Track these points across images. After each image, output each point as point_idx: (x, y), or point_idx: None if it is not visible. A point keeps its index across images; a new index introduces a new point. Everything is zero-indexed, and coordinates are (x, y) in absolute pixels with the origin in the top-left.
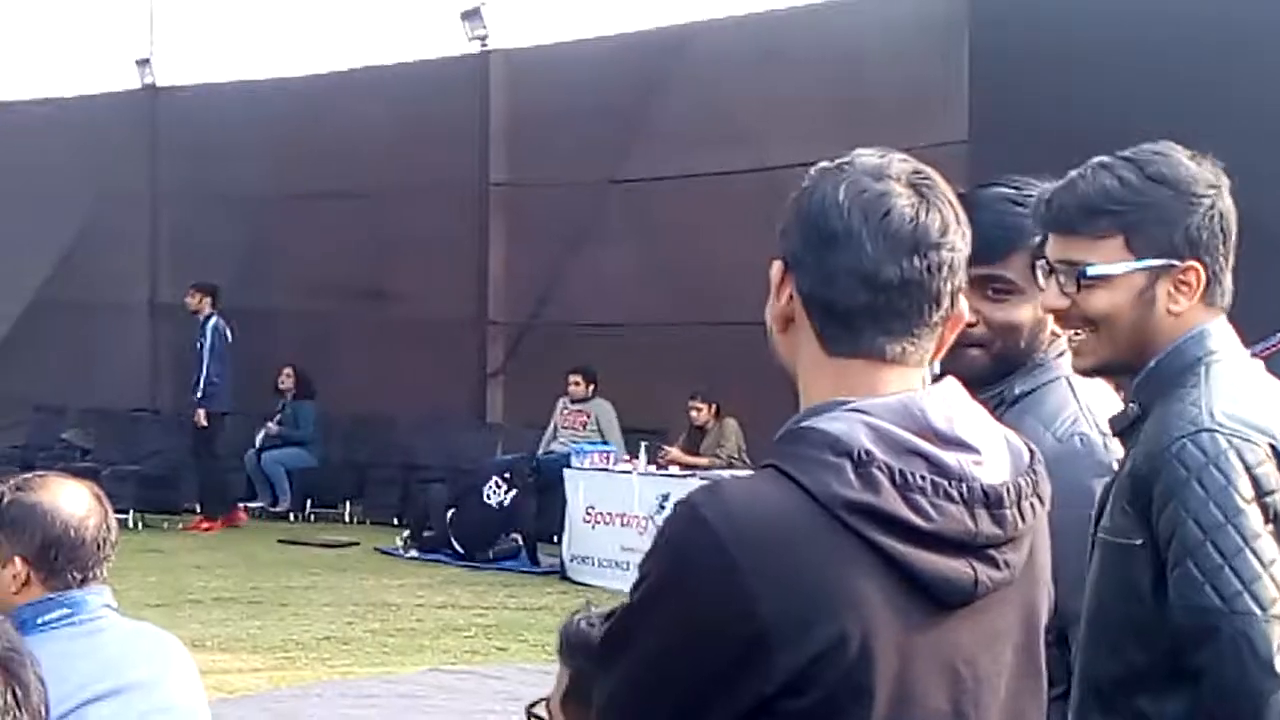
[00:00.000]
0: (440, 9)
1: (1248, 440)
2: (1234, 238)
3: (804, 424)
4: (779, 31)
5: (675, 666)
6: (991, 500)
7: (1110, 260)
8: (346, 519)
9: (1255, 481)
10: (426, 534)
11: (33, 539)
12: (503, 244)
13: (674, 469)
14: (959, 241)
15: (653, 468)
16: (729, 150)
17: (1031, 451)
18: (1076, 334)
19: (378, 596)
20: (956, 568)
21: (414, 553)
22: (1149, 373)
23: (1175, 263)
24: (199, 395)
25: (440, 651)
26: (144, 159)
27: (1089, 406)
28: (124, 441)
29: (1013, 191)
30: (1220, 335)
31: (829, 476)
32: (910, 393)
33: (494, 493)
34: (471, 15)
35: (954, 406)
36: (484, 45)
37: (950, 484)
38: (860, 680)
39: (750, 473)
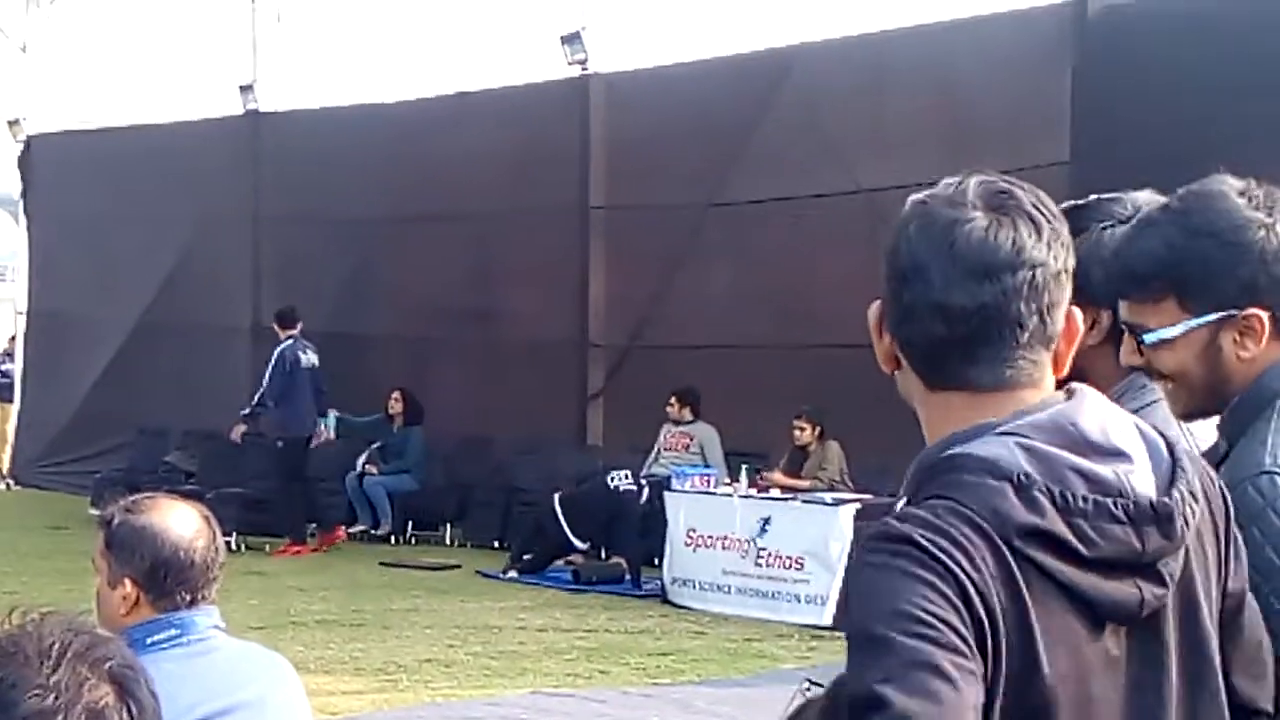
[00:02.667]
0: (540, 33)
1: None
2: None
3: (953, 451)
4: (880, 55)
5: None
6: (1161, 516)
7: (1167, 323)
8: (447, 541)
9: None
10: (526, 557)
11: (142, 560)
12: (603, 267)
13: (775, 492)
14: (1041, 255)
15: (753, 490)
16: (830, 173)
17: (1169, 443)
18: (1165, 383)
19: (479, 619)
20: (1123, 589)
21: (513, 575)
22: (1232, 409)
23: (1234, 313)
24: (244, 411)
25: (542, 674)
26: (247, 184)
27: (1189, 429)
28: (226, 465)
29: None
30: None
31: (996, 500)
32: (1059, 407)
33: (617, 479)
34: (571, 39)
35: (1104, 414)
36: (584, 69)
37: (1114, 503)
38: (1047, 700)
39: (915, 508)
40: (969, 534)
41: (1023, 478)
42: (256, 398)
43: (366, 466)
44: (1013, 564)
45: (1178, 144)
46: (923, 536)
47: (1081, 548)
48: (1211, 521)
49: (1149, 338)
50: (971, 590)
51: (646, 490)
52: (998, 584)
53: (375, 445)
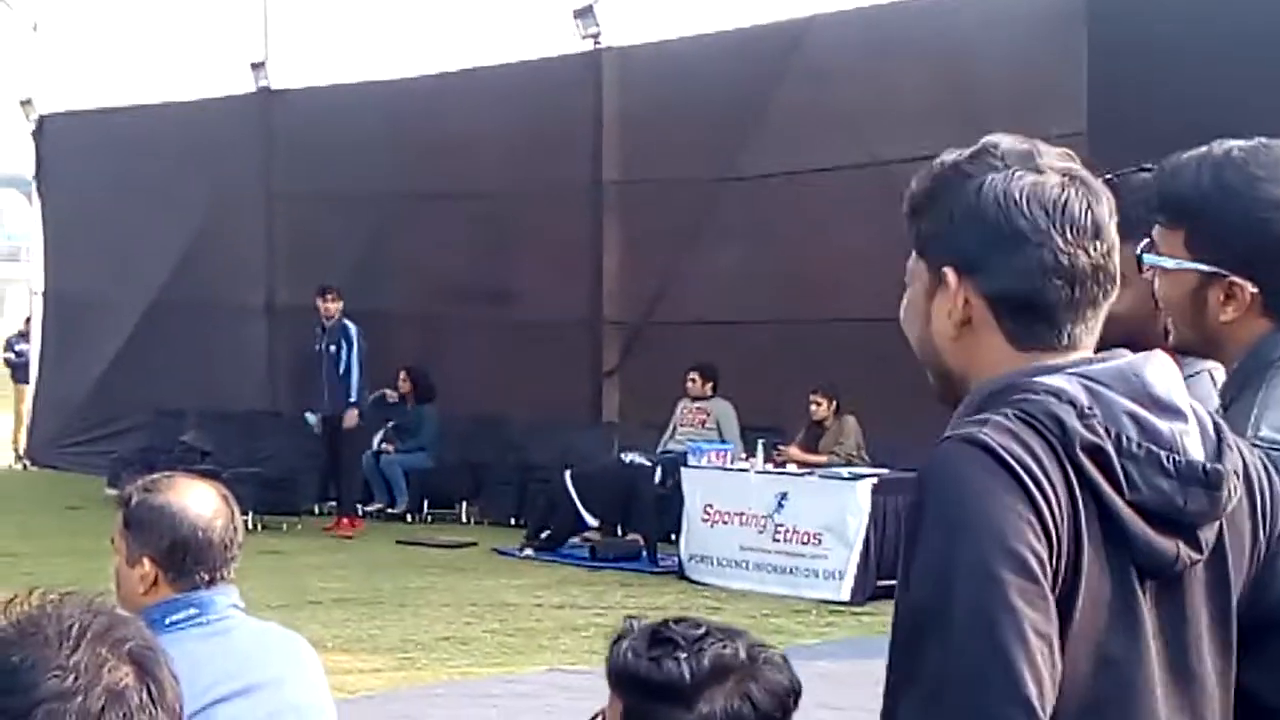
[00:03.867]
0: (552, 7)
1: None
2: None
3: (1014, 381)
4: (894, 25)
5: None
6: (1210, 480)
7: (1168, 253)
8: (463, 519)
9: None
10: (544, 535)
11: (161, 540)
12: (617, 243)
13: (791, 467)
14: (1113, 214)
15: (770, 466)
16: (844, 145)
17: (1215, 422)
18: None
19: (496, 596)
20: (1162, 540)
21: (529, 552)
22: (1231, 375)
23: (1224, 274)
24: (352, 399)
25: (559, 651)
26: (259, 162)
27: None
28: (243, 443)
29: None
30: None
31: (1061, 415)
32: (1127, 359)
33: (630, 455)
34: (584, 13)
35: (1171, 375)
36: (596, 43)
37: (1165, 457)
38: (1067, 609)
39: (985, 416)
40: (1039, 443)
41: (1086, 409)
42: (358, 381)
43: (383, 445)
44: (1074, 481)
45: (1195, 111)
46: (1000, 445)
47: (1125, 489)
48: (1250, 504)
49: (1147, 258)
50: (1044, 507)
51: (660, 467)
52: (1062, 501)
53: (390, 424)
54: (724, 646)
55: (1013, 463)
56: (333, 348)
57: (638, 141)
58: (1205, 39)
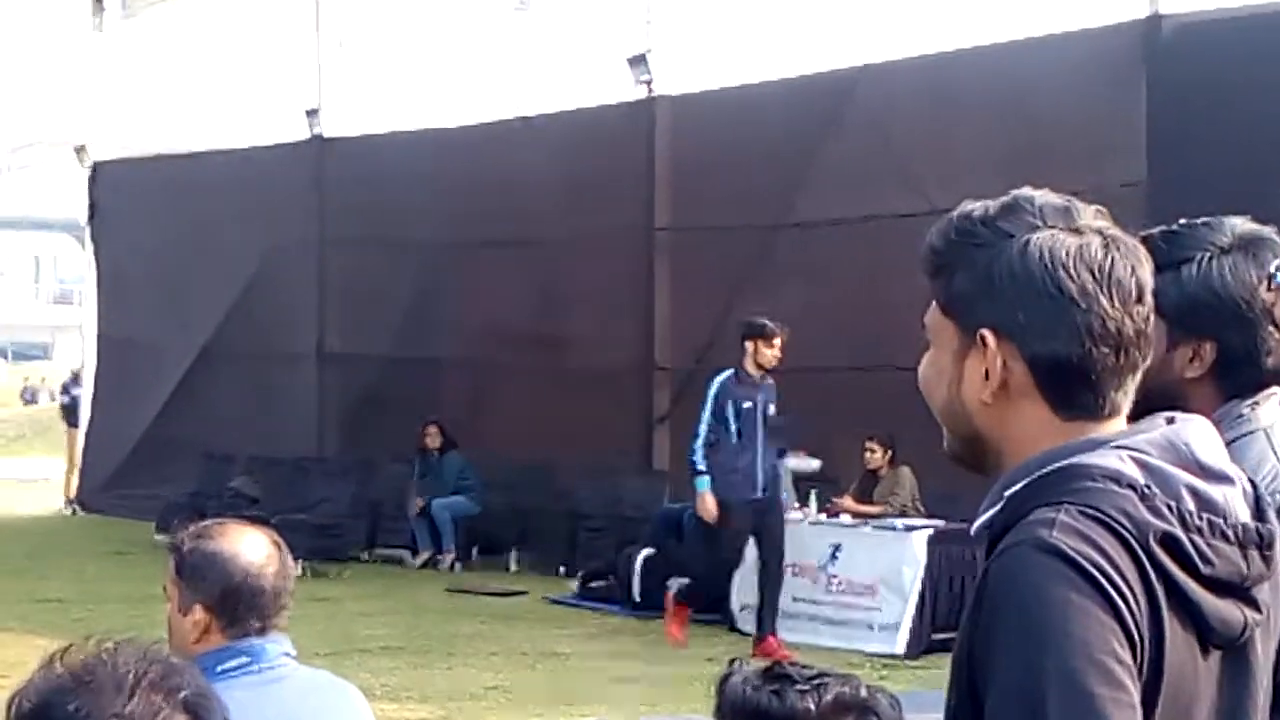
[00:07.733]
0: (606, 55)
1: None
2: None
3: (1069, 461)
4: (950, 73)
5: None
6: (1265, 542)
7: None
8: (511, 567)
9: None
10: (596, 584)
11: (213, 587)
12: (668, 289)
13: (845, 517)
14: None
15: (823, 516)
16: (898, 193)
17: (1253, 482)
18: None
19: (546, 646)
20: (1231, 610)
21: (574, 598)
22: None
23: None
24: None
25: (610, 702)
26: (312, 209)
27: None
28: (292, 490)
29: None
30: None
31: (1127, 506)
32: (1170, 427)
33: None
34: (637, 61)
35: (1212, 439)
36: (650, 91)
37: (1225, 523)
38: (1149, 709)
39: (1046, 512)
40: (1111, 542)
41: (1145, 489)
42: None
43: (416, 500)
44: (1151, 573)
45: (1255, 162)
46: (1074, 550)
47: (1200, 564)
48: None
49: None
50: (1125, 611)
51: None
52: (1140, 598)
53: (420, 477)
54: (842, 684)
55: (1090, 568)
56: (771, 406)
57: (690, 189)
58: (1265, 87)
